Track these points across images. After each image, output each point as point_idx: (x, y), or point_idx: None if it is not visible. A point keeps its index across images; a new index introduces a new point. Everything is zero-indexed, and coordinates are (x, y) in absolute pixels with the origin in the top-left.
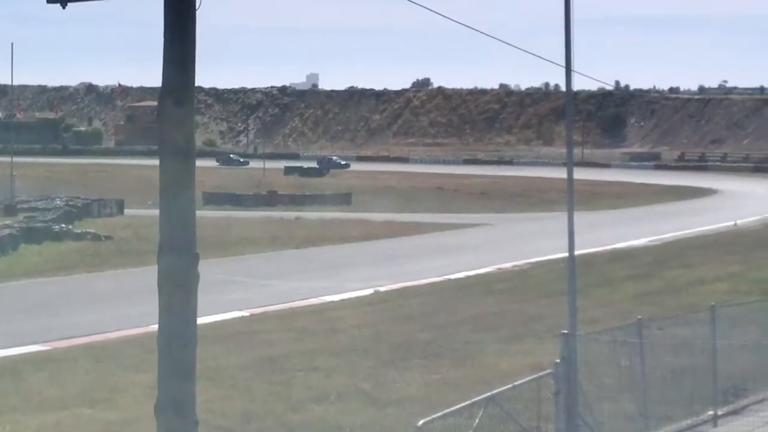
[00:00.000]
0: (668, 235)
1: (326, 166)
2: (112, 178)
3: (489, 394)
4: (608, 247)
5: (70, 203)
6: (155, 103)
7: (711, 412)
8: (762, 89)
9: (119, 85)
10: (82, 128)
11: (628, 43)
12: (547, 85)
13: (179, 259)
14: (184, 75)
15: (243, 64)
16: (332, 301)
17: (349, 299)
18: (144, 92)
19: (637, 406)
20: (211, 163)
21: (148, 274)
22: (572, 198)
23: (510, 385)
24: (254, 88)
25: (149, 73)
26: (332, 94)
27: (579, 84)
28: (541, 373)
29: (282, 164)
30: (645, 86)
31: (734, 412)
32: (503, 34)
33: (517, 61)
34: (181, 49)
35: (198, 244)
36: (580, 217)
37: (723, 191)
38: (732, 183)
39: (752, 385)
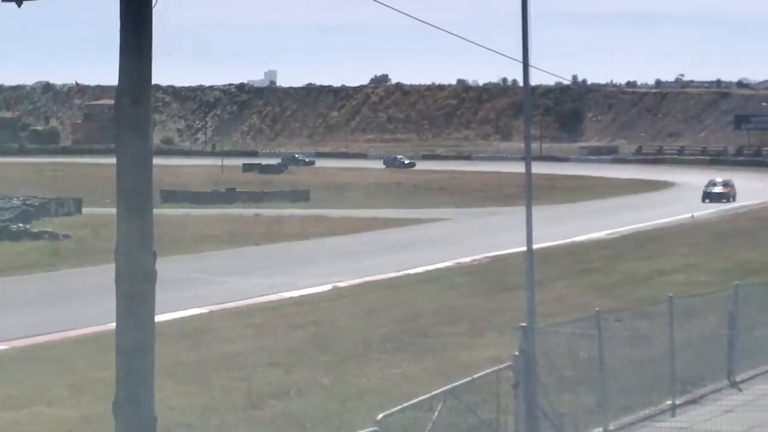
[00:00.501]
0: (626, 228)
1: (290, 163)
2: (69, 177)
3: (448, 387)
4: (567, 241)
5: (28, 202)
6: (113, 102)
7: (669, 402)
8: (718, 82)
9: (76, 83)
10: (39, 127)
11: (585, 38)
12: (504, 80)
13: (137, 257)
14: (141, 73)
15: (201, 61)
16: (291, 297)
17: (309, 295)
18: (101, 90)
19: (596, 398)
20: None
21: (107, 273)
22: (530, 192)
23: (469, 378)
24: (212, 86)
25: (106, 72)
26: (290, 91)
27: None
28: (500, 366)
29: (240, 162)
30: (602, 81)
31: (692, 402)
32: (461, 30)
33: (474, 57)
34: (138, 47)
35: (156, 241)
36: (539, 211)
37: (680, 184)
38: (689, 176)
39: (710, 374)
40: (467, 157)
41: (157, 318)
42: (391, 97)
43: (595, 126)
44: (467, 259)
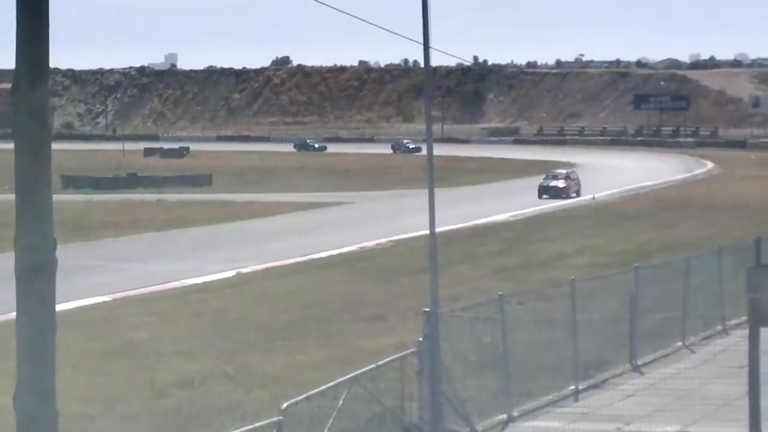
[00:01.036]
0: (528, 210)
1: (301, 148)
2: None
3: (352, 374)
4: (469, 224)
5: None
6: (9, 86)
7: (572, 387)
8: (618, 62)
9: None
10: None
11: (485, 19)
12: (406, 61)
13: (36, 245)
14: (39, 56)
15: (101, 44)
16: (195, 284)
17: (212, 282)
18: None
19: (500, 383)
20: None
21: (6, 261)
22: (432, 175)
23: (373, 365)
24: (112, 69)
25: (4, 56)
26: (191, 74)
27: (438, 60)
28: (404, 352)
29: (142, 146)
30: (503, 61)
31: (595, 386)
32: (362, 12)
33: (376, 39)
34: (35, 30)
35: (56, 228)
36: (441, 194)
37: (581, 165)
38: (590, 156)
39: (612, 358)
40: (370, 140)
41: (59, 307)
42: (292, 79)
43: (497, 107)
44: (371, 243)
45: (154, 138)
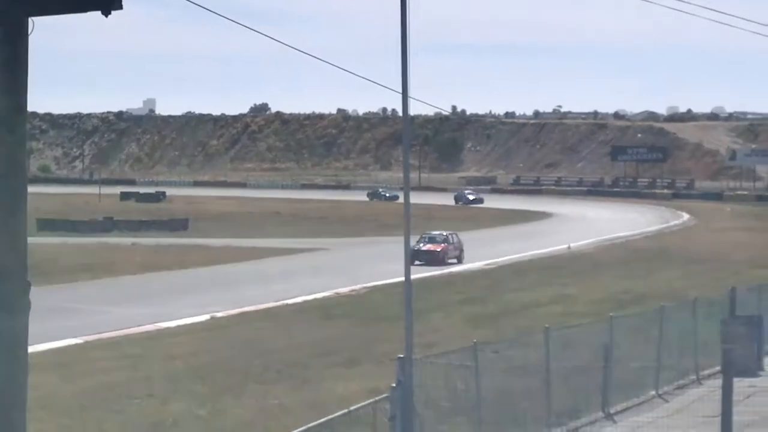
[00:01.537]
0: (504, 259)
1: (374, 197)
2: None
3: (325, 419)
4: (445, 271)
5: None
6: None
7: None
8: (596, 114)
9: None
10: None
11: (464, 69)
12: (384, 110)
13: (10, 287)
14: (17, 102)
15: (79, 89)
16: (168, 328)
17: (186, 325)
18: None
19: (473, 429)
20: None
21: None
22: (409, 222)
23: (346, 410)
24: (90, 114)
25: None
26: (169, 119)
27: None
28: (377, 398)
29: (118, 190)
30: (481, 111)
31: None
32: (341, 60)
33: (355, 87)
34: (13, 76)
35: (31, 271)
36: None
37: (557, 215)
38: (566, 206)
39: (585, 406)
40: (346, 187)
41: (32, 348)
42: (270, 125)
43: (474, 156)
44: (345, 289)
45: (131, 182)
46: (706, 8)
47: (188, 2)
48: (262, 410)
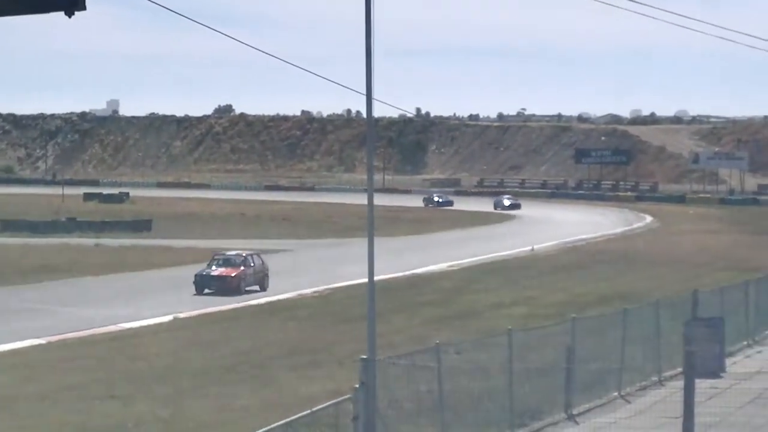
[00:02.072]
0: (468, 260)
1: (427, 203)
2: None
3: (287, 420)
4: (408, 273)
5: None
6: None
7: None
8: (559, 117)
9: None
10: None
11: (428, 72)
12: (348, 111)
13: None
14: None
15: (42, 89)
16: (131, 329)
17: (149, 326)
18: None
19: (436, 430)
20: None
21: None
22: (372, 224)
23: (308, 411)
24: (53, 114)
25: None
26: (133, 121)
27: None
28: (339, 399)
29: (82, 191)
30: (445, 113)
31: None
32: (305, 62)
33: (319, 89)
34: None
35: None
36: (381, 243)
37: (521, 217)
38: (530, 209)
39: (548, 407)
40: (310, 188)
41: None
42: (234, 127)
43: (438, 158)
44: (309, 291)
45: (95, 183)
46: (670, 12)
47: (152, 3)
48: (225, 411)
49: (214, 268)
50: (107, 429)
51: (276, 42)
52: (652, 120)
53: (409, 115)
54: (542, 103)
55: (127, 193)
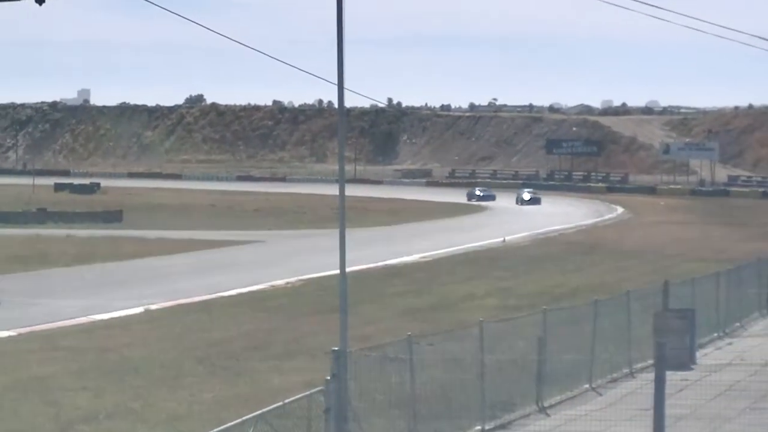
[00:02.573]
0: (439, 252)
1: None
2: None
3: (259, 412)
4: (380, 264)
5: None
6: None
7: (479, 427)
8: (531, 107)
9: None
10: None
11: (400, 62)
12: (320, 101)
13: None
14: None
15: (12, 79)
16: (102, 320)
17: (120, 318)
18: None
19: (407, 422)
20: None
21: None
22: (344, 215)
23: (280, 403)
24: (24, 104)
25: None
26: (104, 110)
27: (352, 101)
28: (311, 390)
29: (53, 181)
30: (417, 104)
31: (501, 427)
32: (277, 52)
33: (291, 79)
34: None
35: None
36: (353, 234)
37: (492, 208)
38: (501, 200)
39: (519, 399)
40: (282, 179)
41: None
42: (206, 117)
43: (410, 149)
44: (281, 282)
45: (65, 173)
46: (641, 2)
47: None
48: (197, 403)
49: None
50: (78, 420)
51: (248, 31)
52: (623, 111)
53: (380, 105)
54: (514, 94)
55: (99, 184)
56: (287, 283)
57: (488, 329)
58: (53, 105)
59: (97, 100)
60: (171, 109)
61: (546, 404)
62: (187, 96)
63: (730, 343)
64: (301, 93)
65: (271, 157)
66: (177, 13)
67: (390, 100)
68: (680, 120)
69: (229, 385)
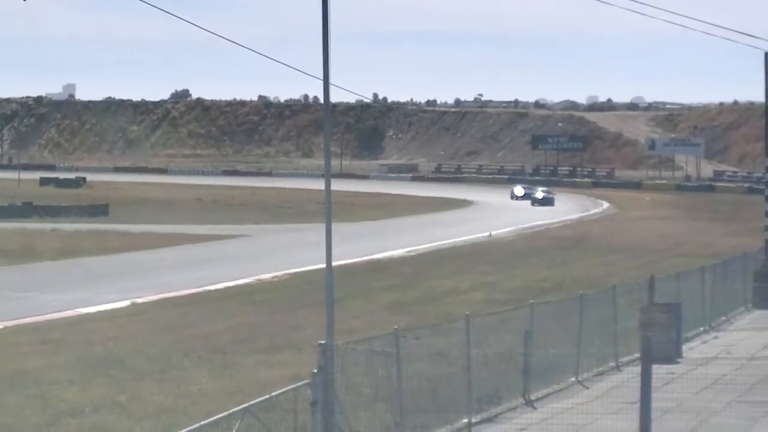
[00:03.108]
0: (425, 246)
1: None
2: None
3: (246, 405)
4: (366, 258)
5: None
6: None
7: (465, 420)
8: (516, 102)
9: None
10: None
11: (386, 57)
12: (306, 97)
13: None
14: None
15: None
16: (89, 313)
17: (106, 311)
18: None
19: (394, 415)
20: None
21: None
22: (330, 209)
23: (267, 396)
24: (9, 98)
25: None
26: (89, 105)
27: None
28: (298, 384)
29: (38, 175)
30: (403, 99)
31: (488, 420)
32: (263, 47)
33: (276, 74)
34: None
35: None
36: (339, 228)
37: (478, 202)
38: (487, 194)
39: (506, 392)
40: (268, 174)
41: None
42: (191, 112)
43: (396, 144)
44: (267, 276)
45: (51, 168)
46: None
47: None
48: (183, 396)
49: None
50: (65, 413)
51: (233, 26)
52: (608, 106)
53: (366, 100)
54: (499, 89)
55: (84, 178)
56: (274, 277)
57: (474, 323)
58: (38, 100)
59: (83, 94)
60: (156, 104)
61: (533, 397)
62: (173, 91)
63: (716, 337)
64: (286, 88)
65: (257, 152)
66: (162, 8)
67: (376, 95)
68: (665, 116)
69: (216, 378)
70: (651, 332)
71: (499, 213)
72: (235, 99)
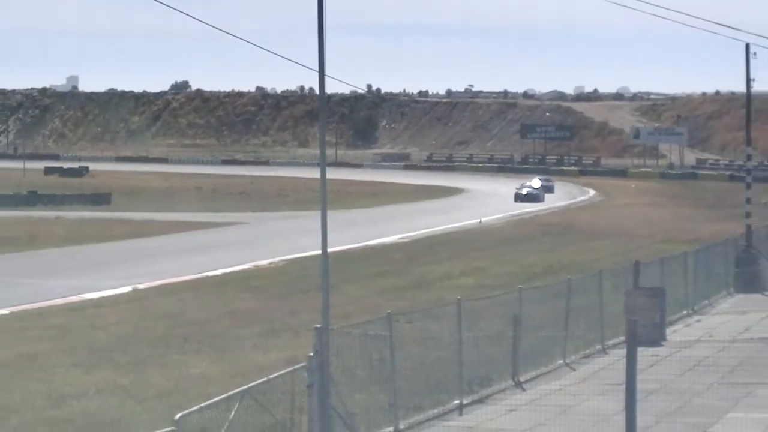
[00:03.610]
0: (418, 233)
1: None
2: None
3: (244, 387)
4: (361, 244)
5: None
6: None
7: (457, 402)
8: (506, 93)
9: None
10: None
11: (379, 49)
12: (302, 88)
13: None
14: None
15: (3, 65)
16: (91, 299)
17: (108, 297)
18: None
19: (388, 397)
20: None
21: None
22: (325, 197)
23: (265, 379)
24: (14, 90)
25: None
26: (92, 96)
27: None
28: (295, 367)
29: (43, 165)
30: (396, 90)
31: (479, 401)
32: (260, 39)
33: (273, 65)
34: None
35: None
36: (334, 216)
37: (469, 190)
38: (477, 182)
39: (496, 375)
40: (265, 163)
41: None
42: (191, 103)
43: (389, 133)
44: (265, 262)
45: (55, 157)
46: None
47: None
48: (184, 379)
49: None
50: (70, 396)
51: (232, 19)
52: (595, 97)
53: (360, 91)
54: (489, 80)
55: (87, 167)
56: (271, 263)
57: (465, 307)
58: (43, 91)
59: (86, 86)
60: (157, 96)
61: (522, 379)
62: (173, 83)
63: (698, 321)
64: (283, 80)
65: (255, 141)
66: (164, 2)
67: (369, 86)
68: (650, 106)
69: (216, 361)
70: (636, 316)
71: (489, 200)
72: (233, 90)
